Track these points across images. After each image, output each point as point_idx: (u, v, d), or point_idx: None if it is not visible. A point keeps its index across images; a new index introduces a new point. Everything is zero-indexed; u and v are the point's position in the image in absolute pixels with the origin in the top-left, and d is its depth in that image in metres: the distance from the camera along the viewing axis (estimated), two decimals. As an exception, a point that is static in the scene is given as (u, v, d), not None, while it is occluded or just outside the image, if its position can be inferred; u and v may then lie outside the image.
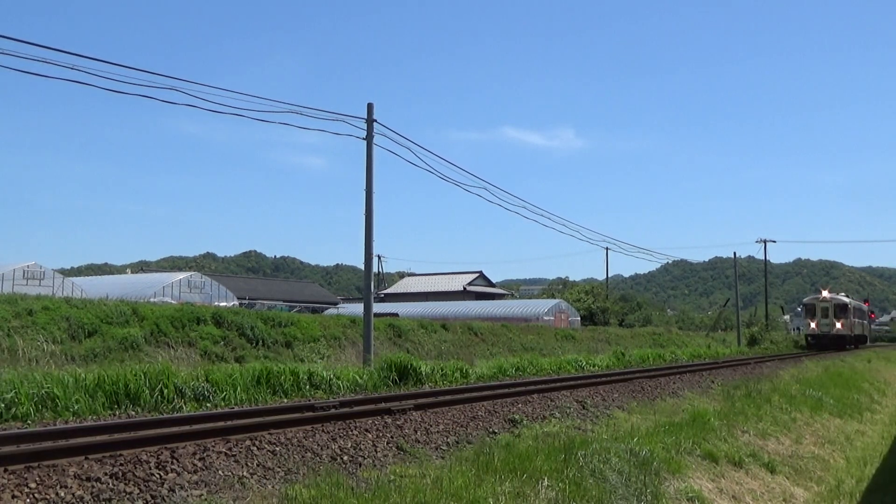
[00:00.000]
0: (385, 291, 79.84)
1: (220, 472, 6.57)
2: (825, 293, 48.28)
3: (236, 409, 10.50)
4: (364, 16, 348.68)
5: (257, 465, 6.92)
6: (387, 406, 10.49)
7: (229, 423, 8.69)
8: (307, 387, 13.08)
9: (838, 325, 46.89)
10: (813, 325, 48.05)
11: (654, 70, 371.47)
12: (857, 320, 51.36)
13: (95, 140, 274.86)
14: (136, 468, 6.27)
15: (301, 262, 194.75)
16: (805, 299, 51.55)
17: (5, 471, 5.93)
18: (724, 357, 35.10)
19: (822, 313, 47.65)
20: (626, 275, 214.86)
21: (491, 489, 6.50)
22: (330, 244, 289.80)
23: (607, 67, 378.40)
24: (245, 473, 6.65)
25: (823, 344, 47.00)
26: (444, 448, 8.66)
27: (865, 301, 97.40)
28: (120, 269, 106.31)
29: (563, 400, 12.85)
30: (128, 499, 5.70)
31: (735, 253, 54.36)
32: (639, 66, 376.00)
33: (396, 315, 38.20)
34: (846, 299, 48.63)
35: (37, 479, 5.81)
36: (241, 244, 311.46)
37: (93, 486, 5.80)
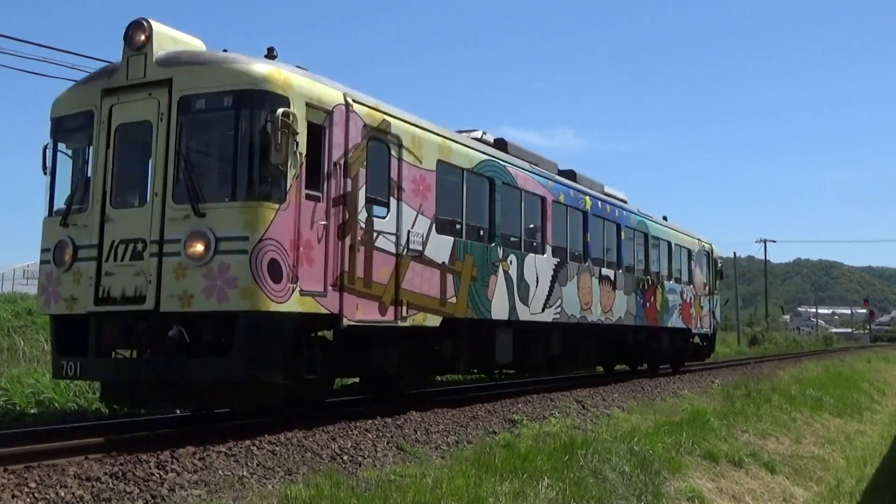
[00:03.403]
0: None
1: (219, 471, 6.56)
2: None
3: (236, 408, 10.47)
4: (363, 16, 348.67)
5: (257, 465, 6.92)
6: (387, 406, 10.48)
7: (229, 422, 8.69)
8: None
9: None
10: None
11: (654, 70, 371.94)
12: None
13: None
14: (136, 468, 6.26)
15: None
16: None
17: (5, 470, 5.93)
18: (724, 357, 35.08)
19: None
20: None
21: (491, 489, 6.50)
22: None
23: (607, 67, 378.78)
24: (245, 473, 6.65)
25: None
26: (444, 448, 8.65)
27: (864, 301, 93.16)
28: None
29: (563, 400, 12.84)
30: (128, 498, 5.69)
31: (735, 253, 54.26)
32: (638, 66, 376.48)
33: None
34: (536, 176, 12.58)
35: (37, 478, 5.81)
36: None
37: (93, 486, 5.80)
